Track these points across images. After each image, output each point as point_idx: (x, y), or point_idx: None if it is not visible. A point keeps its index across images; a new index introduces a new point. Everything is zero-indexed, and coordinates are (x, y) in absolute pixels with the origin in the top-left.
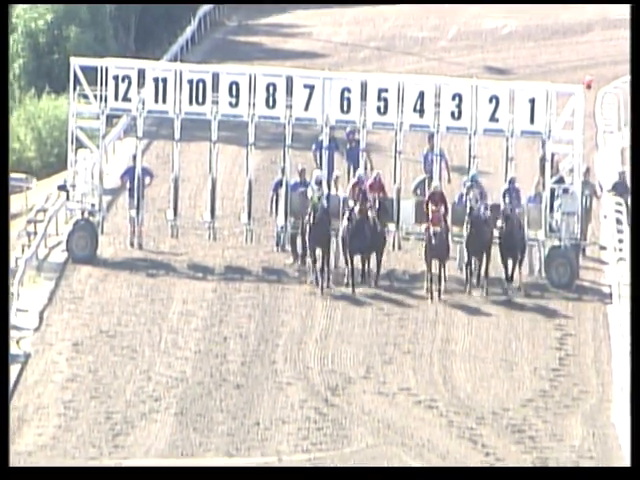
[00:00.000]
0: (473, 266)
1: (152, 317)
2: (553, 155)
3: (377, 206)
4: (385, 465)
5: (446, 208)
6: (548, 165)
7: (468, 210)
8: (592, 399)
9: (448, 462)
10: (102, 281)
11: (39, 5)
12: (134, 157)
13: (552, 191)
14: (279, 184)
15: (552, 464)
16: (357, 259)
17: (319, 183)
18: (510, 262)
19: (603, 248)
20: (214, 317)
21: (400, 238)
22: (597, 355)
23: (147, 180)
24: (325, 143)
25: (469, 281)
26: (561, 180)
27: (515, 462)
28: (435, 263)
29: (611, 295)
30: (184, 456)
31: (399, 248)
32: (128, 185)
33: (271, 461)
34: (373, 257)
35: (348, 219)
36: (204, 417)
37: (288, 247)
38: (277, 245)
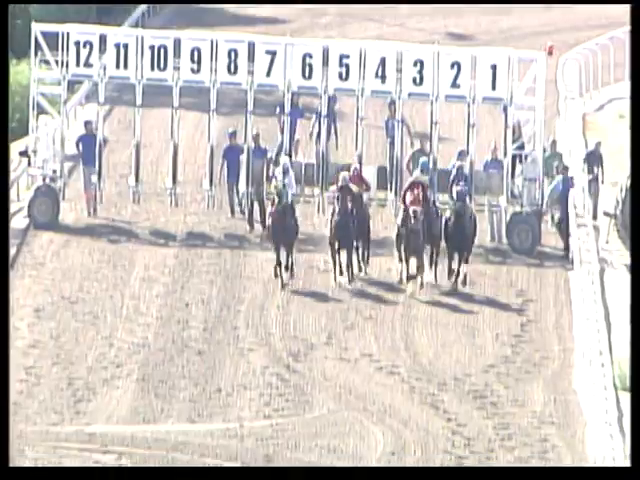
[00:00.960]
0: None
1: (114, 283)
2: (515, 121)
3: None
4: (347, 429)
5: (425, 198)
6: (510, 131)
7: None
8: (553, 365)
9: (409, 428)
10: (64, 247)
11: None
12: (86, 124)
13: (513, 157)
14: (228, 150)
15: (513, 430)
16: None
17: (286, 170)
18: (456, 255)
19: None
20: (176, 283)
21: None
22: (558, 321)
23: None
24: (287, 109)
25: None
26: (522, 146)
27: (477, 428)
28: (409, 250)
29: (572, 261)
30: (146, 422)
31: None
32: (84, 152)
33: (233, 427)
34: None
35: (331, 218)
36: (166, 383)
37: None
38: (232, 212)
